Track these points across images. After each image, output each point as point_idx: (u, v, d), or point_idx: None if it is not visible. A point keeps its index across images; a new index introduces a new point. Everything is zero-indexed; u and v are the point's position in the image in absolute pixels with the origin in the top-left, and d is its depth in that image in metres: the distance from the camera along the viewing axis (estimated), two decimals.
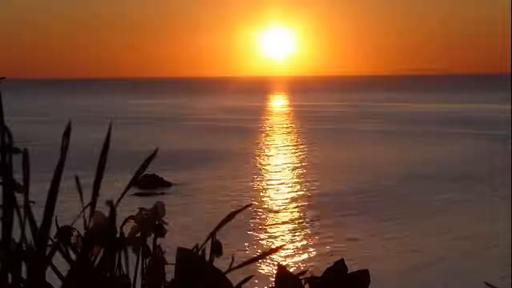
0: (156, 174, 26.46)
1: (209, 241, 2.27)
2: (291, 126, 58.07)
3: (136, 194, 24.13)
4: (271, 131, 53.53)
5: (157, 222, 2.28)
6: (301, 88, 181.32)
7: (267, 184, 27.59)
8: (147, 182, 25.43)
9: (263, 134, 50.63)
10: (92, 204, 1.91)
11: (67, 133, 1.80)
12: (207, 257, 2.26)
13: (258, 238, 18.90)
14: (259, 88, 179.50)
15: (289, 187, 27.16)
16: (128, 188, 1.95)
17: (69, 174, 1.96)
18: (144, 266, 2.27)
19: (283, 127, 57.14)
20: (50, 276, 1.96)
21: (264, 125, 59.34)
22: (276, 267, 3.03)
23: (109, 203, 1.94)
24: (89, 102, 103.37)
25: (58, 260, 1.96)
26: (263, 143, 44.26)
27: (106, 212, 2.03)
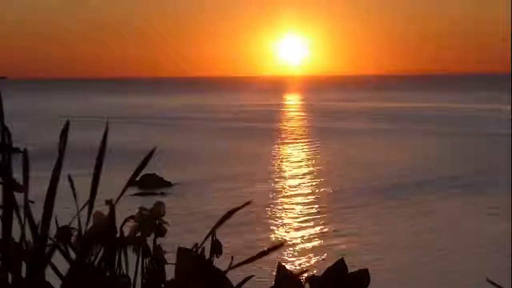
0: (156, 173, 26.42)
1: (209, 240, 2.26)
2: (300, 126, 58.11)
3: (136, 194, 24.12)
4: (285, 131, 53.56)
5: (157, 222, 2.27)
6: (313, 87, 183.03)
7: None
8: (147, 182, 25.40)
9: (275, 133, 50.61)
10: (90, 203, 1.91)
11: (64, 133, 1.80)
12: (207, 256, 2.26)
13: None
14: (276, 87, 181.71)
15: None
16: (127, 187, 1.95)
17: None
18: (144, 266, 2.27)
19: (295, 127, 57.19)
20: (50, 275, 1.96)
21: (278, 125, 59.36)
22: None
23: (109, 202, 1.94)
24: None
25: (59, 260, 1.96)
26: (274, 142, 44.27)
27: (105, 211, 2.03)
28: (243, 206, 1.97)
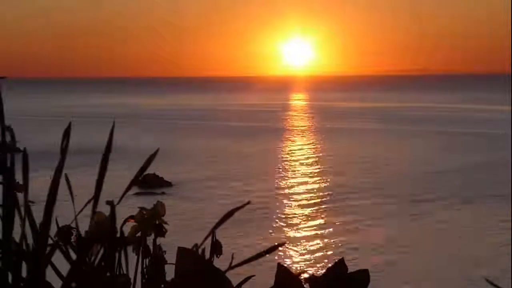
0: (156, 173, 26.38)
1: (209, 240, 2.27)
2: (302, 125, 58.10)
3: (136, 194, 24.10)
4: (287, 130, 53.50)
5: (157, 222, 2.27)
6: (319, 87, 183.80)
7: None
8: (147, 182, 25.35)
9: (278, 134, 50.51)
10: (94, 203, 1.91)
11: (67, 133, 1.80)
12: (208, 256, 2.26)
13: None
14: (280, 87, 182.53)
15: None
16: (129, 188, 1.95)
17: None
18: (144, 266, 2.27)
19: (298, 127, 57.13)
20: (51, 275, 1.96)
21: (280, 124, 59.30)
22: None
23: (110, 203, 1.94)
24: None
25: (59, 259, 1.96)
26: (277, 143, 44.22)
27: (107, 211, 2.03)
28: (243, 206, 1.97)
